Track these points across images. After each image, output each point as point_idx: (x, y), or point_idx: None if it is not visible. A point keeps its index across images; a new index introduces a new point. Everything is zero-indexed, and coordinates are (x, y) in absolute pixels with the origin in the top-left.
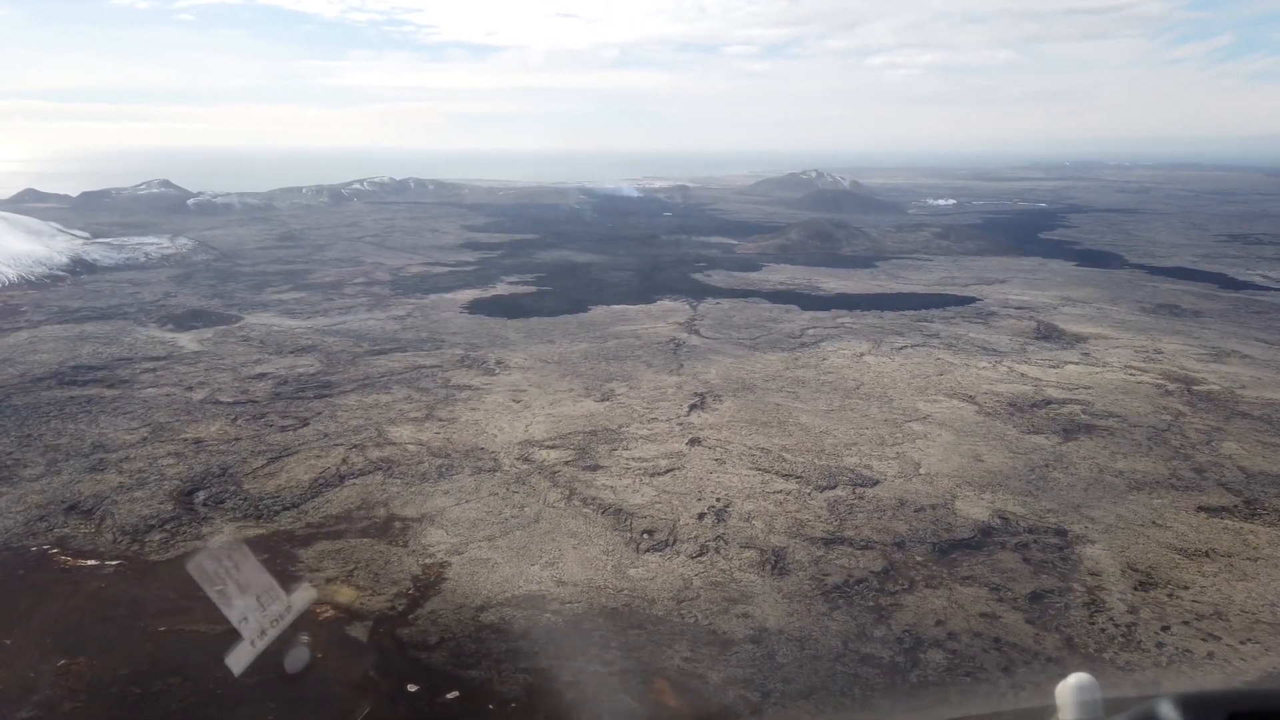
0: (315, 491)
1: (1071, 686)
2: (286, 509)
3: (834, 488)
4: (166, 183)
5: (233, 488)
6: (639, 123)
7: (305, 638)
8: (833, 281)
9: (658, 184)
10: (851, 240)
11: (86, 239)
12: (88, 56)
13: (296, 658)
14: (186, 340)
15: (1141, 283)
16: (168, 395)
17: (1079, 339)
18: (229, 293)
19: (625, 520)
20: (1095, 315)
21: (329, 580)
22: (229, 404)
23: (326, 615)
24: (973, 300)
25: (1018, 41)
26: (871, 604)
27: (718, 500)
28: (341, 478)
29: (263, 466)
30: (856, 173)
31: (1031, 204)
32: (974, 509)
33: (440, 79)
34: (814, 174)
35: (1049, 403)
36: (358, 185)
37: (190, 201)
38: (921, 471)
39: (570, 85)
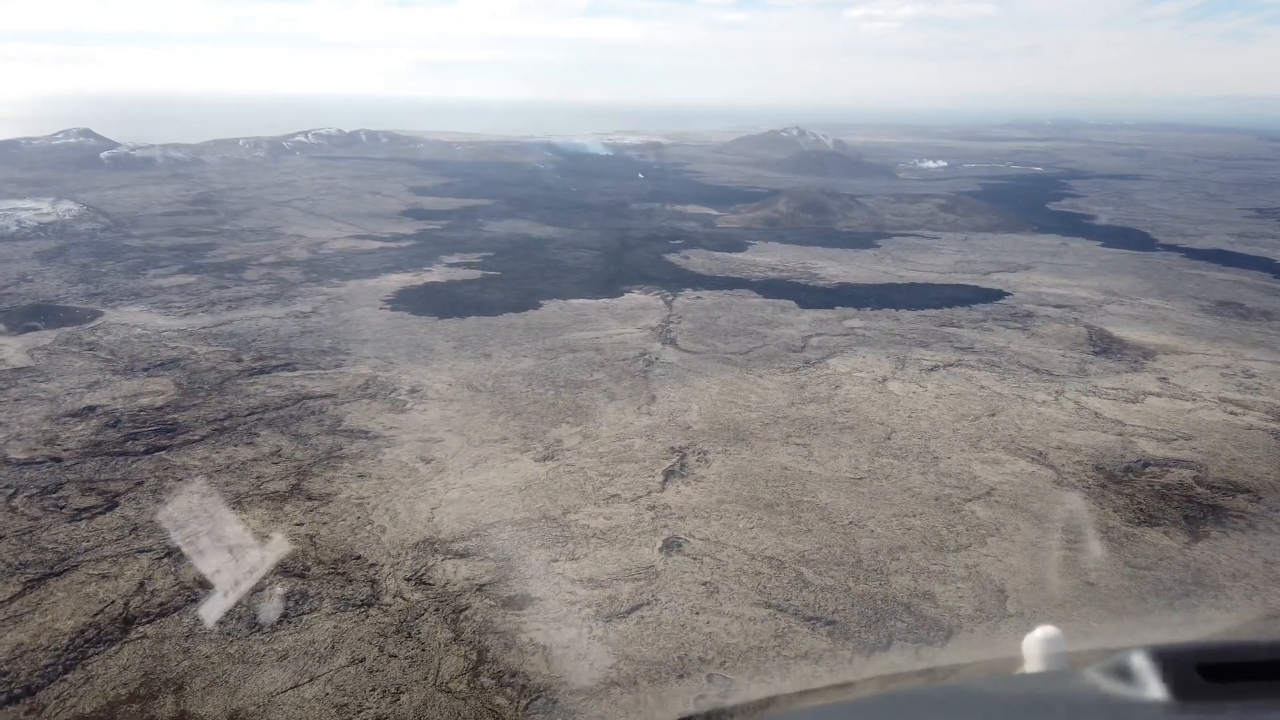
0: (75, 657)
1: (1037, 639)
2: (13, 700)
3: (886, 648)
4: (88, 132)
5: None
6: (611, 74)
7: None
8: (832, 266)
9: (629, 139)
10: (847, 213)
11: None
12: None
13: (270, 609)
14: (13, 349)
15: (1185, 271)
16: None
17: (1145, 353)
18: (100, 276)
19: None
20: (1150, 317)
21: None
22: (18, 464)
23: None
24: (1000, 294)
25: None
26: None
27: (710, 679)
28: (126, 624)
29: (10, 600)
30: (837, 130)
31: (1026, 168)
32: None
33: (407, 24)
34: (795, 132)
35: (1147, 465)
36: (301, 137)
37: (104, 155)
38: (1009, 608)
39: (541, 33)
